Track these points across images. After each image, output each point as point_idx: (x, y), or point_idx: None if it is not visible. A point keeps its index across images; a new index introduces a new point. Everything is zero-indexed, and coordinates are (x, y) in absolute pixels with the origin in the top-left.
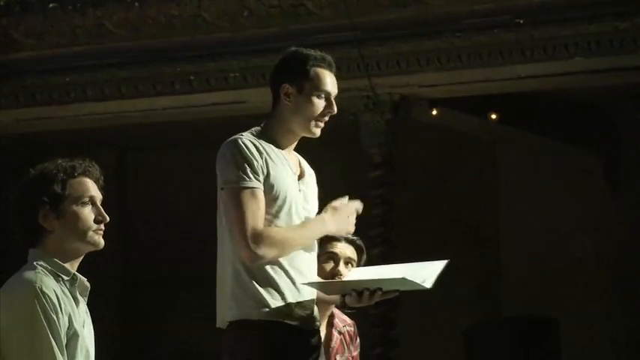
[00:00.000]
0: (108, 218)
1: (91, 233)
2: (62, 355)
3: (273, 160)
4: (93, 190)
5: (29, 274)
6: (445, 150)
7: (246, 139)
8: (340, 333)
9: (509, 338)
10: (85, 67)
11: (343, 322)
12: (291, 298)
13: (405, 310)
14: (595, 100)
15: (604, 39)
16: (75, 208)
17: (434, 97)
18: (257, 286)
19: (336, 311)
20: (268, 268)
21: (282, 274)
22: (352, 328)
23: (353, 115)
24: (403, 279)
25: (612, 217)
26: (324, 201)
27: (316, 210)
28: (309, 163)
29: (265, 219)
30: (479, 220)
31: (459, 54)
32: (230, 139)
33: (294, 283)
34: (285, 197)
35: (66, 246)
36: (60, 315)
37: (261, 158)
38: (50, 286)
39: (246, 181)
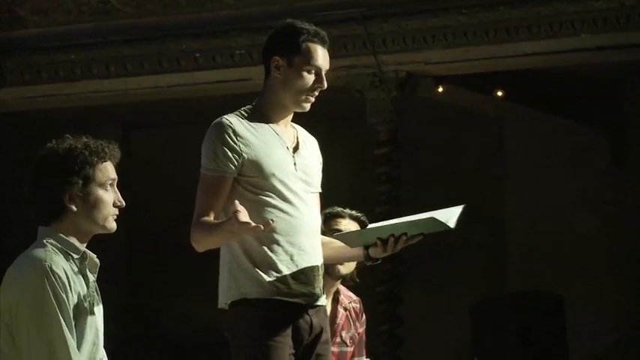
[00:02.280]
0: (124, 203)
1: (110, 218)
2: (71, 333)
3: (257, 138)
4: (113, 173)
5: (39, 252)
6: (451, 127)
7: (228, 122)
8: (346, 309)
9: (515, 315)
10: (91, 45)
11: (349, 298)
12: (290, 276)
13: (411, 288)
14: (601, 77)
15: (610, 15)
16: (100, 191)
17: (440, 75)
18: (254, 266)
19: (342, 287)
20: (265, 248)
21: (281, 252)
22: (358, 305)
23: (359, 92)
24: (432, 219)
25: (618, 193)
26: (330, 178)
27: (319, 179)
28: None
29: (258, 200)
30: (485, 196)
31: (465, 31)
32: (215, 120)
33: (293, 260)
34: (274, 174)
35: (83, 226)
36: (69, 294)
37: (238, 142)
38: (60, 264)
39: (215, 167)
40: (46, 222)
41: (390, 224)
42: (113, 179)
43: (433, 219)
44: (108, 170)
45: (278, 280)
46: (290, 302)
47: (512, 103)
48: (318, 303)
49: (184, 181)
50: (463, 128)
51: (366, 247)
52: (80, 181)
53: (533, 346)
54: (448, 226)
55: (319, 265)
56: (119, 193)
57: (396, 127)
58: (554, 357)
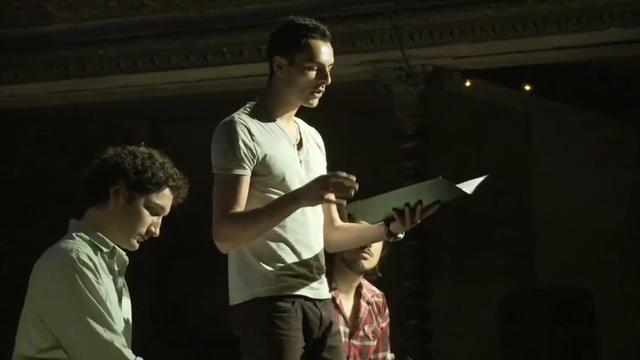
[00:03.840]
0: (157, 235)
1: (137, 237)
2: (109, 315)
3: (267, 137)
4: (168, 204)
5: (66, 244)
6: (479, 121)
7: (239, 121)
8: (368, 303)
9: (544, 309)
10: (118, 40)
11: (371, 292)
12: (299, 272)
13: (439, 282)
14: (630, 71)
15: None
16: (143, 209)
17: (467, 69)
18: (263, 265)
19: (364, 282)
20: (273, 245)
21: (288, 250)
22: (381, 299)
23: (386, 86)
24: (440, 180)
25: None
26: (356, 172)
27: (323, 172)
28: (342, 136)
29: (266, 197)
30: (513, 190)
31: (493, 25)
32: (224, 120)
33: (301, 256)
34: (284, 172)
35: (110, 226)
36: (99, 280)
37: (252, 141)
38: (86, 254)
39: (231, 167)
40: (87, 203)
41: (402, 190)
42: (163, 209)
43: (443, 181)
44: (165, 199)
45: (287, 276)
46: (300, 296)
47: (540, 96)
48: (325, 296)
49: (212, 176)
50: (490, 122)
51: (387, 224)
52: (134, 184)
53: (562, 340)
54: (464, 192)
55: (322, 258)
56: (159, 226)
57: (423, 122)
58: (584, 352)
